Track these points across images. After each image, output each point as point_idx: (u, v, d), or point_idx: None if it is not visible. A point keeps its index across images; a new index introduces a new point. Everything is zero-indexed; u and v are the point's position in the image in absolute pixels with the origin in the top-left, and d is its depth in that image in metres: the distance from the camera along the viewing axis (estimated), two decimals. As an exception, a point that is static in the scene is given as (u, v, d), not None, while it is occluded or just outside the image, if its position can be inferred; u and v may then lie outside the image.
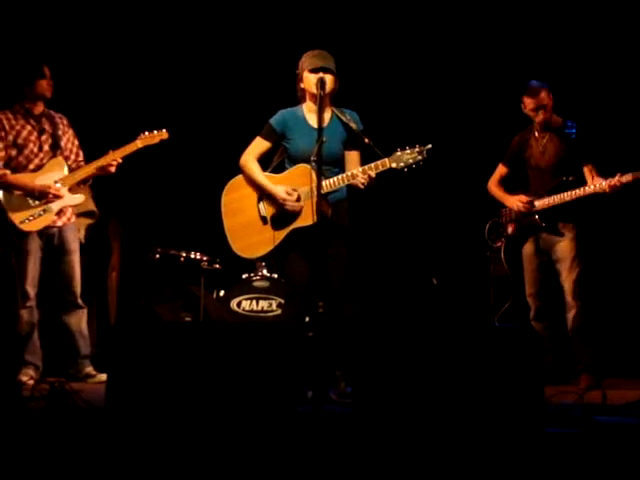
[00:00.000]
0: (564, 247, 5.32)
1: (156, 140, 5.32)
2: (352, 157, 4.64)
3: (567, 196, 5.23)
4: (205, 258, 6.16)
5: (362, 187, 4.45)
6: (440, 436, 3.35)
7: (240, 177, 4.70)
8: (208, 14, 6.65)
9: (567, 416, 3.62)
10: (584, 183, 5.23)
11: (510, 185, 5.58)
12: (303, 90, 4.59)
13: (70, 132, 5.53)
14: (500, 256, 5.55)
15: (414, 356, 3.46)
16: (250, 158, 4.64)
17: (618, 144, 5.74)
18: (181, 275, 6.23)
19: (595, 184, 5.15)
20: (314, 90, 4.44)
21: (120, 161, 5.27)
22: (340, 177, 4.48)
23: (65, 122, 5.52)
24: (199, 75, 6.72)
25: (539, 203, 5.36)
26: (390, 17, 6.58)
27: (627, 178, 5.05)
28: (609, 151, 5.39)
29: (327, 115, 4.57)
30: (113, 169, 5.28)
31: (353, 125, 4.57)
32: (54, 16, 6.40)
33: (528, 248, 5.46)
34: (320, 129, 4.28)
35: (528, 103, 5.34)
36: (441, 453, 3.31)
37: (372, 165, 4.44)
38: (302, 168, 4.51)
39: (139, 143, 5.29)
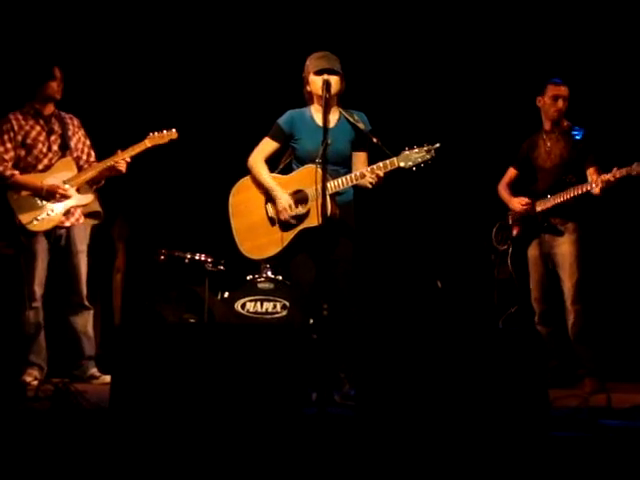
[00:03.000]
0: (564, 251, 5.32)
1: (165, 140, 5.32)
2: (359, 158, 4.64)
3: (564, 195, 5.24)
4: (210, 259, 6.15)
5: (370, 187, 4.45)
6: (444, 439, 3.34)
7: (248, 178, 4.70)
8: (216, 16, 6.65)
9: (572, 419, 3.61)
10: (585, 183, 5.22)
11: (521, 188, 5.57)
12: (310, 93, 4.59)
13: (81, 133, 5.53)
14: (505, 259, 5.56)
15: (418, 358, 3.46)
16: (258, 158, 4.64)
17: (623, 147, 5.72)
18: (186, 276, 6.22)
19: (590, 184, 5.14)
20: (320, 92, 4.44)
21: (129, 160, 5.27)
22: (347, 177, 4.48)
23: (76, 123, 5.52)
24: (206, 76, 6.73)
25: (539, 204, 5.37)
26: (399, 17, 6.57)
27: (611, 175, 5.02)
28: (614, 154, 5.37)
29: (334, 116, 4.58)
30: (124, 169, 5.28)
31: (361, 125, 4.57)
32: (64, 18, 6.42)
33: (533, 252, 5.46)
34: (325, 130, 4.26)
35: (549, 89, 5.37)
36: (445, 457, 3.30)
37: (380, 164, 4.44)
38: (309, 169, 4.49)
39: (148, 143, 5.30)
